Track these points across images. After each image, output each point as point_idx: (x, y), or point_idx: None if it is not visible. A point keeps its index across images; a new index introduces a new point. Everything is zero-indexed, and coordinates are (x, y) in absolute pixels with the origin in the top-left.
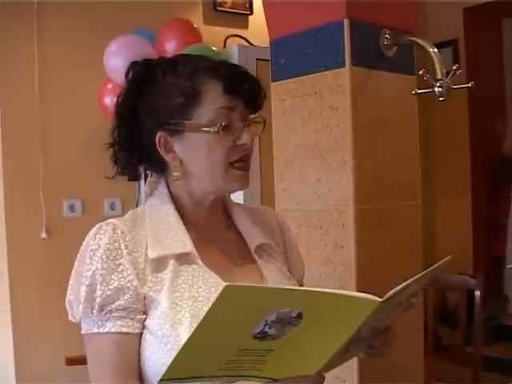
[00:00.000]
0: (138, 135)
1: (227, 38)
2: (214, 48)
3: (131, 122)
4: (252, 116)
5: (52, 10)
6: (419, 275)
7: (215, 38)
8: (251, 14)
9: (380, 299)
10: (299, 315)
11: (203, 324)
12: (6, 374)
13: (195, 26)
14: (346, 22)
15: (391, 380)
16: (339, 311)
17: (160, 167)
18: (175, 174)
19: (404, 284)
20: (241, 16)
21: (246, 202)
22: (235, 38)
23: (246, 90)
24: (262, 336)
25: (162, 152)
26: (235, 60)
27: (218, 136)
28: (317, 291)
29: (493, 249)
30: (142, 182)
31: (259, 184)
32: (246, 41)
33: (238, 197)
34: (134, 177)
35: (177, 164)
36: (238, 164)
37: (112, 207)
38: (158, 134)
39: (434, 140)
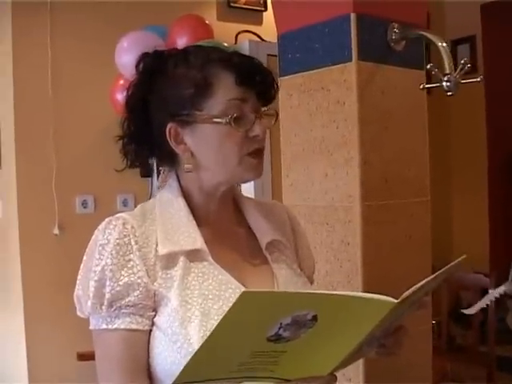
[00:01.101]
0: (149, 127)
1: (238, 33)
2: (226, 44)
3: (141, 113)
4: (264, 108)
5: (65, 9)
6: (435, 275)
7: (227, 34)
8: (265, 10)
9: (395, 300)
10: (314, 318)
11: (218, 329)
12: (18, 369)
13: (207, 21)
14: (352, 16)
15: (398, 379)
16: (354, 313)
17: (171, 159)
18: (186, 165)
19: (420, 284)
20: (255, 12)
21: (257, 196)
22: (247, 34)
23: (258, 82)
24: (276, 338)
25: (172, 144)
26: None
27: (229, 127)
28: (333, 294)
29: (509, 247)
30: (155, 177)
31: (270, 178)
32: (258, 36)
33: (248, 191)
34: (146, 171)
35: (188, 156)
36: (252, 154)
37: (124, 203)
38: (169, 126)
39: (450, 136)
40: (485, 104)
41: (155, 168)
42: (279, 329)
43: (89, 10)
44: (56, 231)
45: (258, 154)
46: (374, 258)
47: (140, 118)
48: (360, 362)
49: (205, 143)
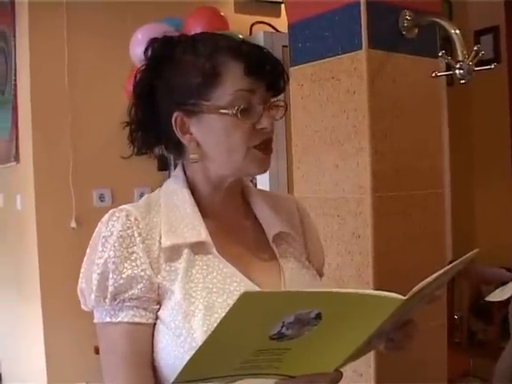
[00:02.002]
0: (156, 114)
1: (253, 24)
2: (241, 35)
3: (148, 100)
4: (273, 99)
5: (81, 3)
6: (445, 269)
7: (243, 26)
8: (283, 2)
9: (403, 297)
10: (318, 316)
11: (218, 329)
12: (36, 362)
13: (222, 13)
14: (362, 2)
15: (410, 375)
16: (360, 310)
17: (177, 149)
18: (192, 156)
19: (429, 279)
20: (272, 4)
21: (272, 188)
22: (262, 25)
23: (267, 73)
24: (279, 337)
25: (178, 133)
26: None
27: (236, 119)
28: (336, 292)
29: None
30: (172, 171)
31: (285, 170)
32: (272, 27)
33: (263, 183)
34: (163, 165)
35: (193, 146)
36: (260, 147)
37: (142, 197)
38: (175, 114)
39: (472, 127)
40: (508, 94)
41: (172, 161)
42: (282, 327)
43: (104, 3)
44: (73, 225)
45: (265, 147)
46: (386, 250)
47: (147, 104)
48: (371, 358)
49: (211, 134)
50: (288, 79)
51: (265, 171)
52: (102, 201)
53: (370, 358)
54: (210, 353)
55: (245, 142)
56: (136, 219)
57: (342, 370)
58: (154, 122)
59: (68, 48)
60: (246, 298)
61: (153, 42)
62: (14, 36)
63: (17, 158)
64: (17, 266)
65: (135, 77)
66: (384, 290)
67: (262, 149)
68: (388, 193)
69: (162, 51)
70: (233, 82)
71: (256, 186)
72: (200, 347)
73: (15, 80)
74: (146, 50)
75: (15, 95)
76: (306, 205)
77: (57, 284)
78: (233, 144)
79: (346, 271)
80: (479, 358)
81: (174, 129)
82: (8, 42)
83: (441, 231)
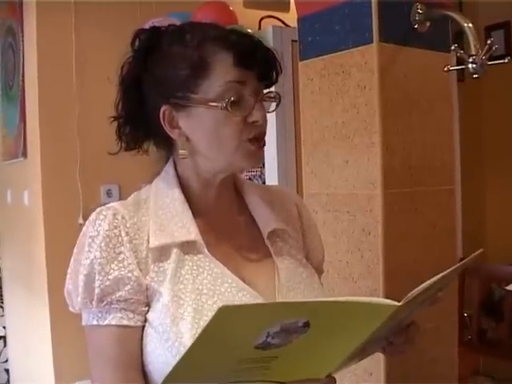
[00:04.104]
0: (143, 109)
1: (262, 19)
2: (250, 30)
3: (135, 94)
4: (265, 91)
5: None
6: (446, 272)
7: (252, 21)
8: None
9: (397, 304)
10: (306, 324)
11: (198, 342)
12: (43, 361)
13: (231, 8)
14: None
15: (421, 373)
16: (351, 318)
17: (167, 144)
18: (181, 152)
19: (428, 283)
20: None
21: (281, 184)
22: (271, 20)
23: (258, 63)
24: (265, 346)
25: (166, 128)
26: (270, 41)
27: (226, 112)
28: (323, 301)
29: None
30: None
31: (294, 167)
32: (282, 22)
33: (272, 178)
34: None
35: (182, 141)
36: (251, 141)
37: None
38: (163, 108)
39: (483, 124)
40: None
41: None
42: (267, 337)
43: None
44: (81, 221)
45: (257, 140)
46: (396, 247)
47: (134, 98)
48: (381, 356)
49: (200, 128)
50: (281, 69)
51: (257, 165)
52: (109, 197)
53: (380, 356)
54: (193, 362)
55: (236, 135)
56: (123, 218)
57: (352, 368)
58: (142, 116)
59: (76, 43)
60: (223, 312)
61: (140, 33)
62: (22, 31)
63: (24, 154)
64: (24, 262)
65: (121, 69)
66: (394, 287)
67: (254, 142)
68: (399, 189)
69: (149, 42)
70: (222, 74)
71: (265, 182)
72: (182, 357)
73: (23, 75)
74: (133, 41)
75: (23, 91)
76: (315, 201)
77: (64, 280)
78: (223, 138)
79: (356, 268)
80: (489, 356)
81: (163, 123)
82: (16, 37)
83: (452, 228)
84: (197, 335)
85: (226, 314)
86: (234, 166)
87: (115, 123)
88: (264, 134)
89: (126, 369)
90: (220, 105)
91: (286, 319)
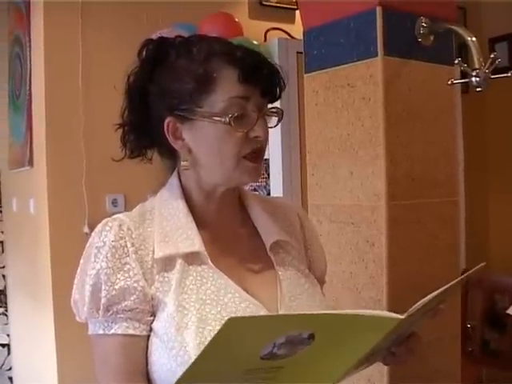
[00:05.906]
0: (148, 118)
1: (267, 31)
2: (255, 42)
3: (141, 103)
4: (269, 106)
5: (96, 3)
6: (449, 284)
7: (257, 32)
8: (297, 8)
9: (401, 316)
10: (311, 336)
11: (205, 352)
12: (47, 366)
13: (236, 19)
14: (378, 9)
15: None
16: (355, 330)
17: (171, 154)
18: (183, 163)
19: (431, 296)
20: (287, 11)
21: (286, 196)
22: (277, 32)
23: (263, 79)
24: (271, 357)
25: (170, 139)
26: (275, 53)
27: (229, 127)
28: (328, 314)
29: None
30: None
31: (299, 178)
32: (287, 34)
33: (277, 189)
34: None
35: (185, 152)
36: (251, 156)
37: None
38: (167, 120)
39: (487, 136)
40: None
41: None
42: (273, 348)
43: (119, 8)
44: (86, 230)
45: (256, 156)
46: (400, 258)
47: (139, 108)
48: (385, 367)
49: (203, 141)
50: (285, 85)
51: (256, 180)
52: (114, 206)
53: (383, 367)
54: (200, 372)
55: (237, 150)
56: (129, 229)
57: (354, 378)
58: (147, 125)
59: (82, 53)
60: (231, 323)
61: (147, 44)
62: (30, 41)
63: (30, 163)
64: (29, 270)
65: (128, 79)
66: (398, 298)
67: (253, 158)
68: (403, 201)
69: (156, 53)
70: (227, 89)
71: (270, 193)
72: (189, 367)
73: (30, 85)
74: (141, 51)
75: (30, 100)
76: (320, 212)
77: (69, 288)
78: (225, 152)
79: (360, 279)
80: (492, 367)
81: (166, 134)
82: (23, 47)
83: (455, 240)
84: (202, 345)
85: (233, 326)
86: (233, 180)
87: (121, 131)
88: (263, 149)
89: (132, 377)
90: (223, 119)
91: (291, 332)
